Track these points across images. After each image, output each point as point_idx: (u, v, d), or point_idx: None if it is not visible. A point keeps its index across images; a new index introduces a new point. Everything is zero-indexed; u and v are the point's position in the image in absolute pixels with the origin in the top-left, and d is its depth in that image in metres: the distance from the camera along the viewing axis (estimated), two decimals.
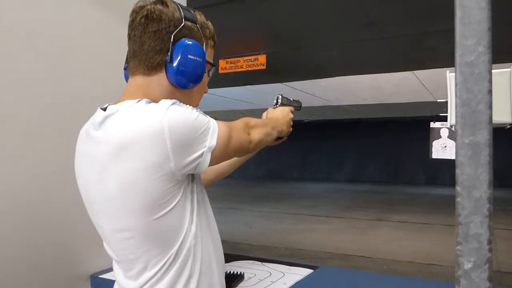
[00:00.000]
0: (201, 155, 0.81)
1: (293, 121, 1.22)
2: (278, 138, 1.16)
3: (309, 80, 6.73)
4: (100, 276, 1.52)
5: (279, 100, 1.25)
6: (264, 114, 1.23)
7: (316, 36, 4.53)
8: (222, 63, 5.26)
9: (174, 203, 0.81)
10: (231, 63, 5.20)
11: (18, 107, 1.33)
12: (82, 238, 1.46)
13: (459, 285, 0.37)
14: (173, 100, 0.82)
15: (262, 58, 5.04)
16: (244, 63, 5.14)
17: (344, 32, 4.39)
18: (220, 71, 5.29)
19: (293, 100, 1.29)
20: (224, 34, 4.37)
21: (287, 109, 1.22)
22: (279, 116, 1.18)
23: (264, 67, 5.06)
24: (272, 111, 1.22)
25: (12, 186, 1.30)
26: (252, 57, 5.08)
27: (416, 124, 12.65)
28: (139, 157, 0.77)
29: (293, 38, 4.66)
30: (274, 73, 5.86)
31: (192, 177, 0.87)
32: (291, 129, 1.21)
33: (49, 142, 1.40)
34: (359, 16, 3.85)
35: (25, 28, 1.35)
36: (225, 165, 1.23)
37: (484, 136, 0.35)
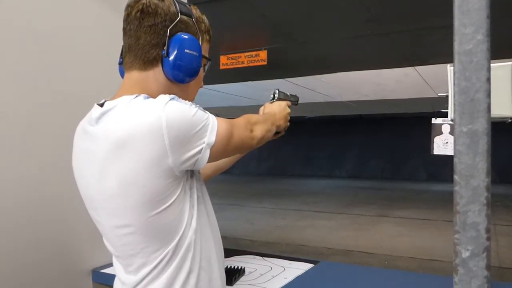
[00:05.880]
0: (200, 151, 0.81)
1: (294, 117, 1.22)
2: (276, 133, 1.17)
3: (311, 76, 6.72)
4: (101, 270, 1.53)
5: (276, 95, 1.25)
6: (261, 109, 1.23)
7: (318, 32, 4.51)
8: (223, 59, 5.24)
9: (173, 199, 0.81)
10: (232, 59, 5.19)
11: (18, 103, 1.33)
12: (83, 233, 1.47)
13: (457, 274, 0.37)
14: (172, 96, 0.81)
15: (263, 54, 5.03)
16: (245, 59, 5.13)
17: (345, 28, 4.37)
18: (221, 67, 5.28)
19: (290, 94, 1.29)
20: (225, 30, 4.37)
21: (284, 103, 1.22)
22: (276, 111, 1.18)
23: (265, 63, 5.06)
24: (269, 106, 1.22)
25: (13, 181, 1.30)
26: (253, 53, 5.07)
27: (417, 120, 12.62)
28: (138, 153, 0.77)
29: (295, 34, 4.65)
30: (275, 69, 5.85)
31: (191, 173, 0.87)
32: (289, 123, 1.22)
33: (50, 137, 1.40)
34: (361, 11, 3.83)
35: (25, 23, 1.35)
36: (223, 160, 1.22)
37: (482, 125, 0.35)
